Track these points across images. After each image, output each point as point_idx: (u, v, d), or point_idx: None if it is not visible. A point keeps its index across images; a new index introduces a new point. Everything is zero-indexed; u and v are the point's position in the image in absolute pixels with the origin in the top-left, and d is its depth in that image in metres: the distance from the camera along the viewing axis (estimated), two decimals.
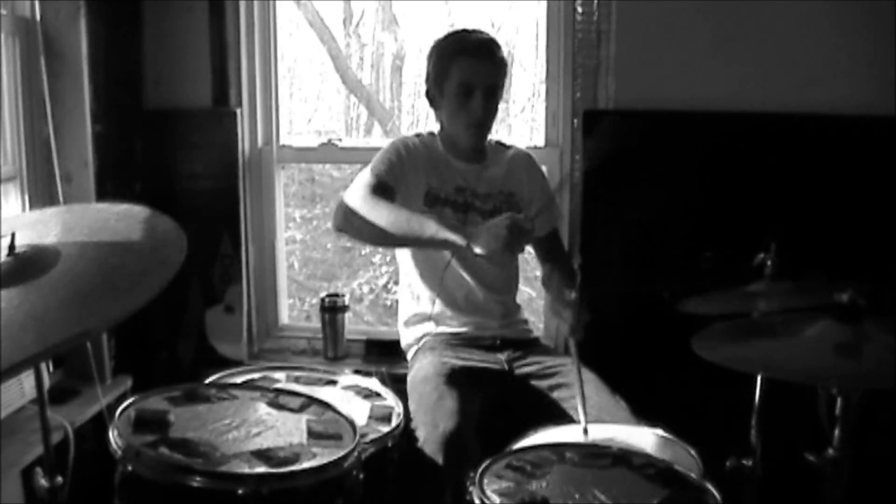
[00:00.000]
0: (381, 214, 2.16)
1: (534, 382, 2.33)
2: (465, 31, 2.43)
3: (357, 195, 2.23)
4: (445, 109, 2.39)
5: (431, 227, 2.11)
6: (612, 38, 2.74)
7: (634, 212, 2.77)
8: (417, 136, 2.48)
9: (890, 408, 2.34)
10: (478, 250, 2.03)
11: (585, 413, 2.02)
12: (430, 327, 2.47)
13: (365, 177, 2.30)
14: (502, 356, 2.40)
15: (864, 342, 1.63)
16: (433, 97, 2.42)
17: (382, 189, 2.26)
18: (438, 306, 2.45)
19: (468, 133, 2.38)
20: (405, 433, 2.02)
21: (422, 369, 2.30)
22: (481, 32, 2.41)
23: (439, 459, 1.96)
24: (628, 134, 2.75)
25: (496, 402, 2.24)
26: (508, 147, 2.57)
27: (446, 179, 2.42)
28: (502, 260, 2.38)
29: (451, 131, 2.42)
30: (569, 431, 2.02)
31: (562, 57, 2.86)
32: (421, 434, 2.02)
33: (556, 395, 2.27)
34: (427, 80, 2.42)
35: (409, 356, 2.52)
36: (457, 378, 2.21)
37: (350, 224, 2.21)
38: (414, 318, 2.51)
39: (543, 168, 2.68)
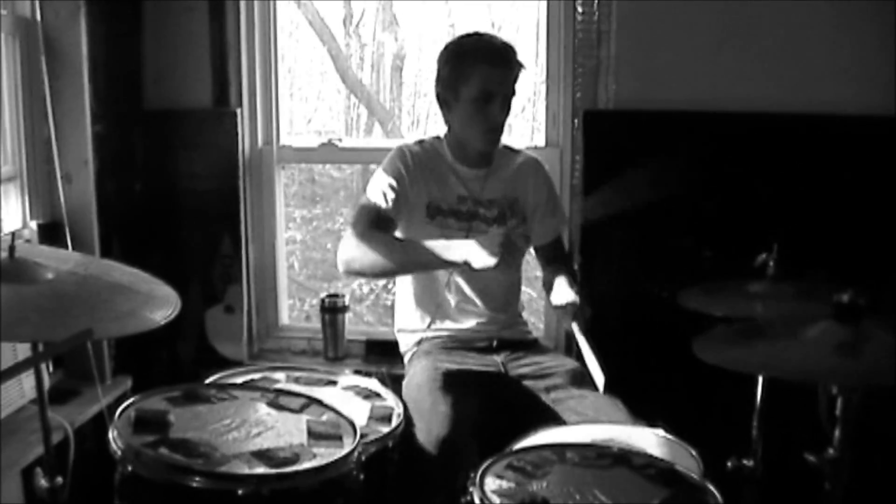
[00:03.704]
0: (379, 251, 2.20)
1: (528, 383, 2.32)
2: (481, 35, 2.38)
3: (357, 233, 2.24)
4: (459, 114, 2.35)
5: (428, 254, 2.15)
6: (612, 38, 2.73)
7: (634, 212, 2.77)
8: (420, 142, 2.45)
9: (890, 408, 2.34)
10: (476, 266, 2.06)
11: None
12: (427, 333, 2.47)
13: (363, 210, 2.30)
14: (498, 358, 2.40)
15: (865, 342, 1.63)
16: (445, 100, 2.37)
17: (381, 222, 2.27)
18: (438, 317, 2.46)
19: (484, 139, 2.35)
20: (405, 434, 2.02)
21: (415, 375, 2.29)
22: (497, 38, 2.38)
23: (435, 462, 1.97)
24: (628, 134, 2.75)
25: (492, 405, 2.24)
26: (517, 151, 2.54)
27: (448, 188, 2.40)
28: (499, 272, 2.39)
29: (464, 136, 2.38)
30: (569, 432, 2.02)
31: (562, 57, 2.86)
32: (419, 438, 2.03)
33: (552, 396, 2.26)
34: (439, 82, 2.37)
35: (406, 360, 2.52)
36: (450, 382, 2.20)
37: (353, 265, 2.25)
38: (411, 327, 2.51)
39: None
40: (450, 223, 2.38)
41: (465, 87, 2.30)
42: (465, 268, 2.13)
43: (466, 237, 2.36)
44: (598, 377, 2.12)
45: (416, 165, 2.36)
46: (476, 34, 2.39)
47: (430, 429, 2.02)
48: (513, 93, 2.33)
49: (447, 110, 2.39)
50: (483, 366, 2.36)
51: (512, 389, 2.33)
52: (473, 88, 2.29)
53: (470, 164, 2.43)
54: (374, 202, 2.30)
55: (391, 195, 2.30)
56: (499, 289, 2.47)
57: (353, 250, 2.22)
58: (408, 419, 2.07)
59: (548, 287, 2.41)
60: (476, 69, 2.28)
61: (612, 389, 2.24)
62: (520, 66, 2.33)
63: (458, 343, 2.43)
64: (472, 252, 2.07)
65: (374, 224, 2.26)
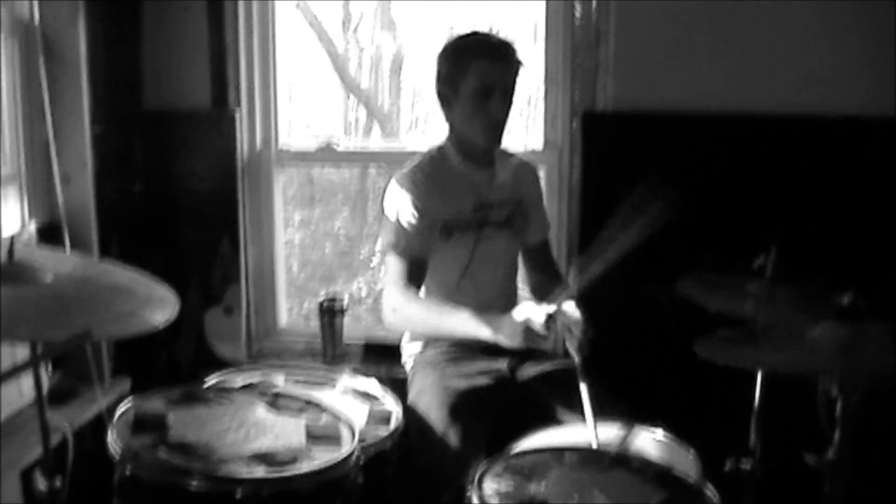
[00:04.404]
0: (416, 320, 2.31)
1: (535, 387, 2.32)
2: (479, 33, 2.39)
3: (394, 294, 2.30)
4: (460, 110, 2.34)
5: (462, 327, 2.18)
6: (610, 39, 2.74)
7: (633, 213, 2.76)
8: (429, 156, 2.42)
9: (890, 409, 2.34)
10: (502, 341, 2.11)
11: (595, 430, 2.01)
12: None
13: (398, 263, 2.30)
14: (503, 361, 2.39)
15: (865, 343, 1.63)
16: (446, 97, 2.36)
17: (413, 272, 2.30)
18: None
19: (485, 135, 2.34)
20: (404, 436, 2.02)
21: (424, 394, 2.27)
22: (495, 35, 2.38)
23: (441, 479, 1.98)
24: (627, 135, 2.75)
25: (503, 418, 2.22)
26: (511, 154, 2.54)
27: (462, 201, 2.39)
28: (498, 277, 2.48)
29: (465, 133, 2.37)
30: (570, 432, 2.01)
31: (560, 58, 2.86)
32: (424, 460, 2.03)
33: (557, 399, 2.26)
34: (439, 80, 2.36)
35: (408, 366, 2.51)
36: (460, 408, 2.18)
37: (396, 327, 2.40)
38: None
39: (541, 170, 2.70)
40: (466, 236, 2.38)
41: (463, 82, 2.29)
42: (475, 269, 2.36)
43: (475, 246, 2.36)
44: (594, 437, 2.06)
45: (427, 186, 2.33)
46: (474, 32, 2.40)
47: (440, 460, 2.03)
48: (513, 88, 2.33)
49: (448, 108, 2.38)
50: (491, 374, 2.35)
51: (521, 396, 2.33)
52: (472, 83, 2.28)
53: (476, 162, 2.42)
54: (399, 255, 2.30)
55: (414, 237, 2.29)
56: (500, 299, 2.47)
57: (394, 316, 2.31)
58: (408, 420, 2.06)
59: (538, 292, 2.45)
60: (474, 64, 2.27)
61: (612, 390, 2.24)
62: (518, 62, 2.33)
63: (463, 350, 2.41)
64: (501, 329, 2.10)
65: (411, 276, 2.30)
